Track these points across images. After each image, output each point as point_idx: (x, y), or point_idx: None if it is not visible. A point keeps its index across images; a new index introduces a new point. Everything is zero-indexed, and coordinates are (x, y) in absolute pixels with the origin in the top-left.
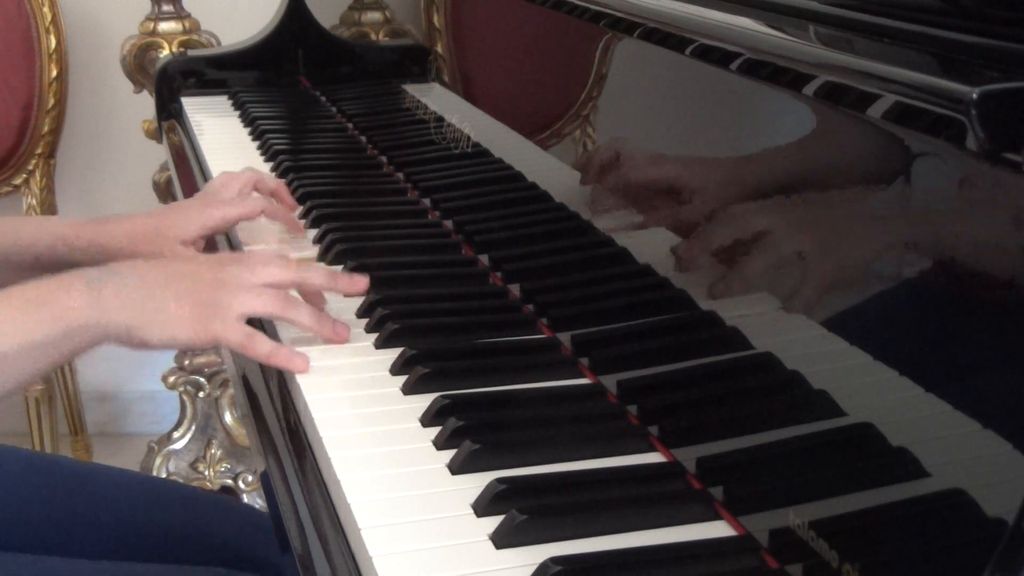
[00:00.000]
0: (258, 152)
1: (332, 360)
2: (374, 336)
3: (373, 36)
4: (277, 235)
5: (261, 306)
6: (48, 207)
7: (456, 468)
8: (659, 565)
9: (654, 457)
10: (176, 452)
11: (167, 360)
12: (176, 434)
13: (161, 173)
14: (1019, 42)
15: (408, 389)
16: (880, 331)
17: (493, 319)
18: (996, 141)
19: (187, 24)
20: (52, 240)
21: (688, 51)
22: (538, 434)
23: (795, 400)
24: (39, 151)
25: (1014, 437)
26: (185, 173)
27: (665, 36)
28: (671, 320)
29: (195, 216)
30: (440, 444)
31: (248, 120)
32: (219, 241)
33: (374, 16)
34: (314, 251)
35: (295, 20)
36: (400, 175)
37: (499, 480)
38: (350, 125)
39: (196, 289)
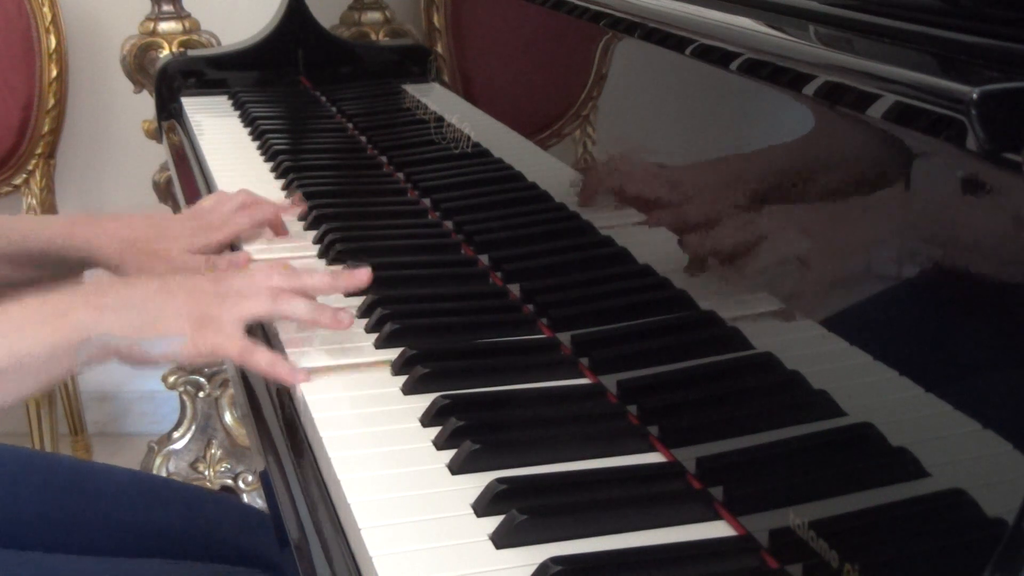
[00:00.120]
0: (258, 152)
1: (332, 360)
2: (374, 336)
3: (373, 36)
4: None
5: (256, 307)
6: (48, 207)
7: (456, 468)
8: (659, 565)
9: (654, 457)
10: (176, 452)
11: None
12: (176, 434)
13: (161, 173)
14: (1019, 42)
15: (408, 389)
16: (880, 331)
17: (493, 319)
18: (996, 141)
19: (187, 24)
20: (45, 240)
21: (688, 51)
22: (538, 434)
23: (795, 400)
24: (39, 151)
25: (1014, 437)
26: (185, 173)
27: (665, 36)
28: (671, 320)
29: (185, 240)
30: (440, 444)
31: (248, 120)
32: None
33: (374, 16)
34: (314, 250)
35: (295, 20)
36: (400, 175)
37: (499, 480)
38: (350, 125)
39: (196, 304)
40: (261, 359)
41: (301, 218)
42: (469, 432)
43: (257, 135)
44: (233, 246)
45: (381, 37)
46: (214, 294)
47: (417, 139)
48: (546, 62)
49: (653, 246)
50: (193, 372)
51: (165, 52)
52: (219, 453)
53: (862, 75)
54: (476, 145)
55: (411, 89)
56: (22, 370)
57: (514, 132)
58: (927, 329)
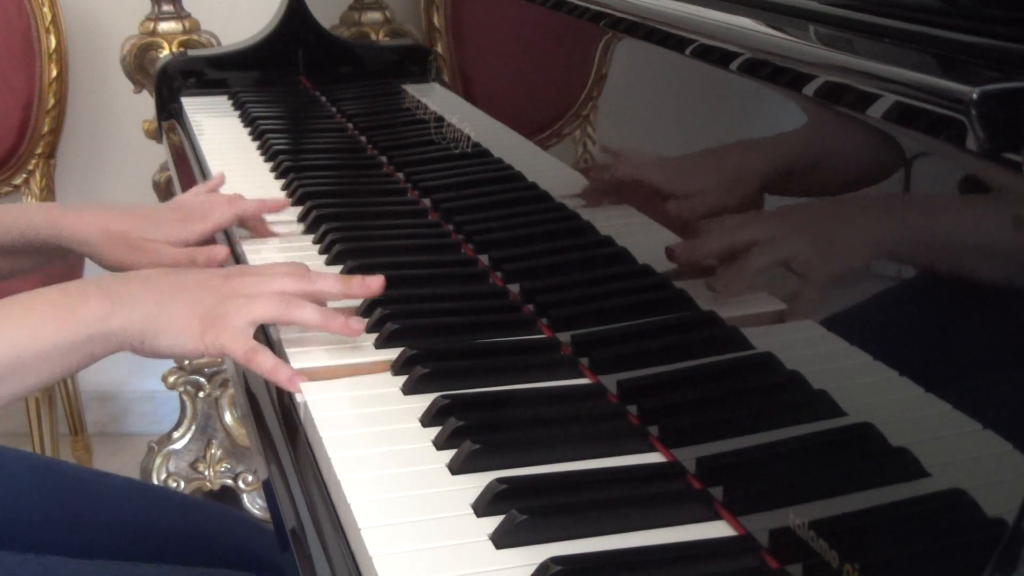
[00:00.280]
0: (258, 152)
1: (332, 360)
2: (374, 336)
3: (373, 36)
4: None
5: (266, 311)
6: None
7: (456, 468)
8: (659, 565)
9: (654, 457)
10: (176, 452)
11: (167, 360)
12: (176, 434)
13: (161, 173)
14: (1019, 42)
15: (408, 389)
16: (880, 331)
17: (493, 319)
18: (996, 141)
19: (187, 24)
20: (25, 227)
21: (688, 51)
22: (538, 434)
23: (795, 400)
24: (39, 151)
25: (1014, 437)
26: (185, 173)
27: (665, 36)
28: (671, 320)
29: (167, 232)
30: (440, 444)
31: (248, 120)
32: (218, 238)
33: (374, 16)
34: (315, 249)
35: (295, 20)
36: (400, 175)
37: (499, 480)
38: (350, 125)
39: (205, 300)
40: (264, 362)
41: (301, 218)
42: (469, 432)
43: (257, 135)
44: (235, 252)
45: (381, 37)
46: (225, 293)
47: (417, 139)
48: (546, 62)
49: (653, 246)
50: (193, 372)
51: (165, 52)
52: (219, 453)
53: (862, 75)
54: (476, 145)
55: (411, 89)
56: (39, 361)
57: (514, 132)
58: (927, 329)
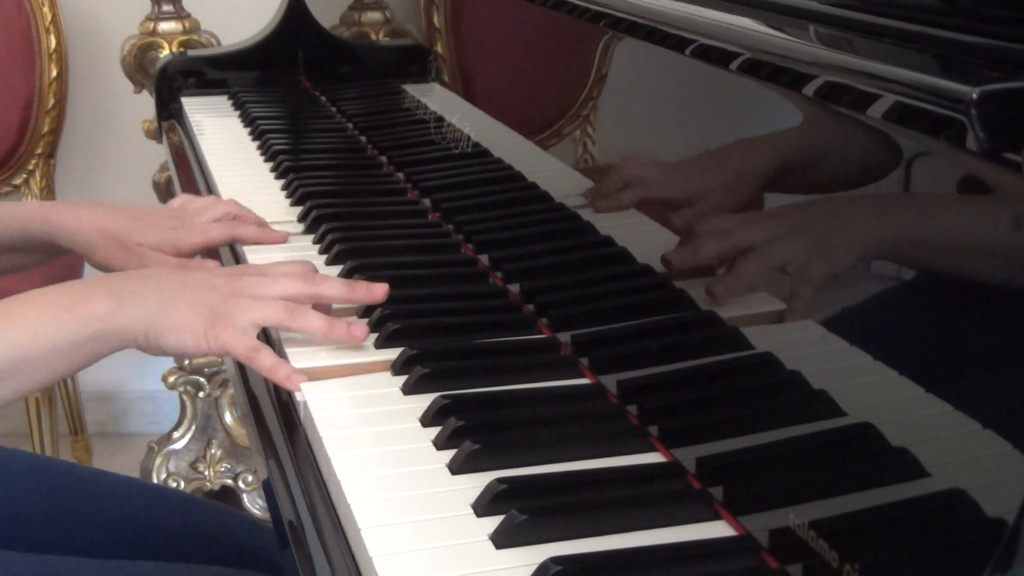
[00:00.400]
0: (258, 152)
1: (332, 360)
2: (374, 336)
3: (373, 36)
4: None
5: (270, 316)
6: None
7: (456, 468)
8: (659, 565)
9: (654, 457)
10: (176, 452)
11: (167, 360)
12: (176, 434)
13: (161, 173)
14: (1019, 42)
15: (408, 389)
16: (880, 331)
17: (493, 319)
18: (996, 141)
19: (187, 24)
20: (19, 223)
21: (688, 51)
22: (538, 434)
23: (795, 400)
24: (39, 151)
25: (1014, 437)
26: (185, 173)
27: (665, 36)
28: (671, 320)
29: (160, 238)
30: (440, 444)
31: (248, 120)
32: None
33: (374, 16)
34: (315, 250)
35: (295, 20)
36: (400, 175)
37: (499, 480)
38: (350, 125)
39: (209, 299)
40: (265, 361)
41: (301, 218)
42: (469, 432)
43: (257, 135)
44: (235, 251)
45: (381, 37)
46: (229, 293)
47: (417, 139)
48: (546, 62)
49: (653, 246)
50: (193, 372)
51: (165, 52)
52: (219, 453)
53: (862, 75)
54: (476, 145)
55: (411, 89)
56: (43, 359)
57: (514, 132)
58: (927, 329)
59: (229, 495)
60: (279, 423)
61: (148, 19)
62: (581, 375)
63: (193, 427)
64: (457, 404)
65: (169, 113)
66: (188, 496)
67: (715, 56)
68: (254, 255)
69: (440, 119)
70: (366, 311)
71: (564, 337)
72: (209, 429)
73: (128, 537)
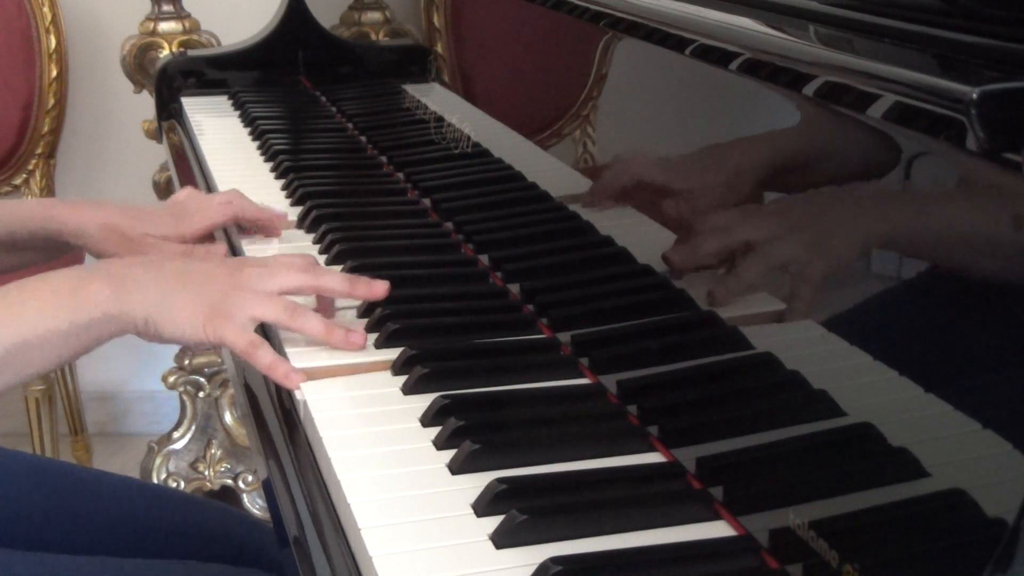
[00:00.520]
0: (258, 152)
1: (332, 360)
2: (374, 336)
3: (373, 36)
4: None
5: (270, 314)
6: None
7: (456, 468)
8: (659, 565)
9: (654, 457)
10: (176, 452)
11: (167, 360)
12: (176, 434)
13: (161, 173)
14: (1019, 42)
15: (408, 389)
16: (880, 331)
17: (493, 319)
18: (996, 141)
19: (187, 24)
20: (22, 221)
21: (688, 51)
22: (538, 434)
23: (795, 400)
24: (39, 151)
25: (1014, 437)
26: (185, 173)
27: (665, 36)
28: (671, 320)
29: (163, 228)
30: (440, 444)
31: (248, 120)
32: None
33: (374, 16)
34: (315, 250)
35: (295, 20)
36: (400, 175)
37: (499, 480)
38: (350, 125)
39: (210, 289)
40: (264, 357)
41: (301, 218)
42: (469, 432)
43: (257, 135)
44: (232, 246)
45: (381, 37)
46: (232, 285)
47: (417, 139)
48: (546, 62)
49: (653, 246)
50: (193, 372)
51: (165, 52)
52: (219, 453)
53: (862, 75)
54: (476, 145)
55: (411, 89)
56: (44, 344)
57: (514, 132)
58: (927, 329)
59: (229, 495)
60: (279, 423)
61: (148, 19)
62: (581, 375)
63: (193, 427)
64: (457, 404)
65: (169, 113)
66: (188, 496)
67: (715, 56)
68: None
69: (440, 119)
70: (366, 310)
71: (564, 337)
72: (209, 429)
73: (128, 537)
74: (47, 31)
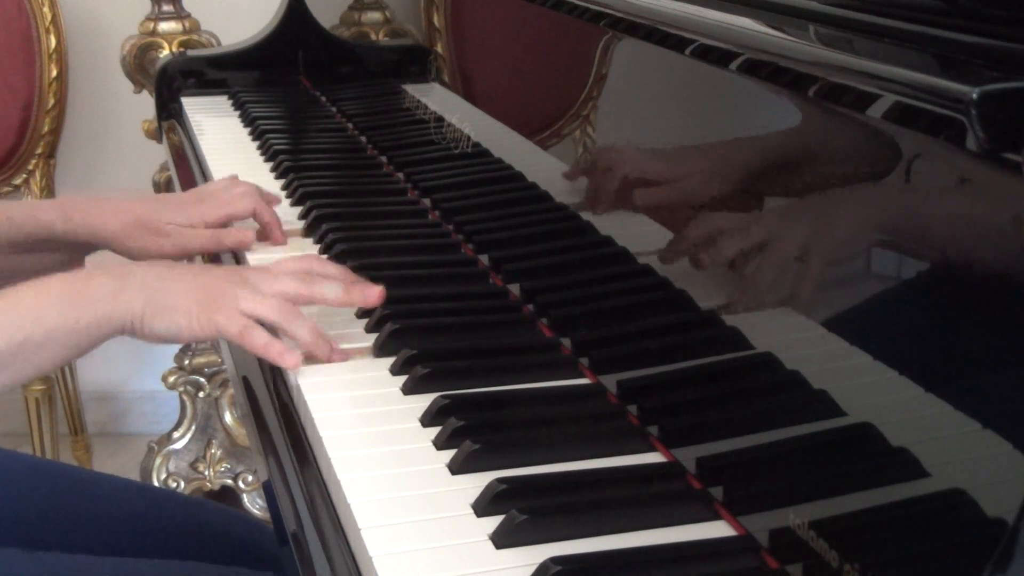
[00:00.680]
0: (258, 152)
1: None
2: (374, 336)
3: (373, 36)
4: None
5: (263, 311)
6: None
7: (456, 468)
8: (659, 565)
9: (654, 457)
10: (176, 452)
11: (167, 360)
12: (176, 434)
13: (161, 173)
14: (1019, 42)
15: (408, 389)
16: (880, 331)
17: (493, 319)
18: (996, 141)
19: (187, 24)
20: (43, 226)
21: (688, 51)
22: (538, 434)
23: (795, 400)
24: (39, 151)
25: (1014, 437)
26: (185, 173)
27: (665, 36)
28: (671, 320)
29: (187, 213)
30: (440, 444)
31: (248, 120)
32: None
33: (374, 16)
34: (315, 250)
35: (295, 20)
36: (400, 175)
37: (499, 480)
38: (350, 125)
39: (207, 286)
40: (258, 339)
41: (301, 218)
42: (469, 432)
43: (257, 135)
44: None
45: (381, 37)
46: (227, 281)
47: (417, 139)
48: (546, 62)
49: (653, 246)
50: (193, 372)
51: (165, 52)
52: (219, 453)
53: (862, 75)
54: (476, 145)
55: (411, 89)
56: (48, 341)
57: (514, 132)
58: (927, 329)
59: (229, 495)
60: (279, 423)
61: (148, 19)
62: (581, 375)
63: (193, 427)
64: (457, 404)
65: (169, 113)
66: (188, 496)
67: (715, 56)
68: (252, 257)
69: (440, 119)
70: (366, 311)
71: (564, 337)
72: (209, 429)
73: (128, 537)
74: (47, 31)
